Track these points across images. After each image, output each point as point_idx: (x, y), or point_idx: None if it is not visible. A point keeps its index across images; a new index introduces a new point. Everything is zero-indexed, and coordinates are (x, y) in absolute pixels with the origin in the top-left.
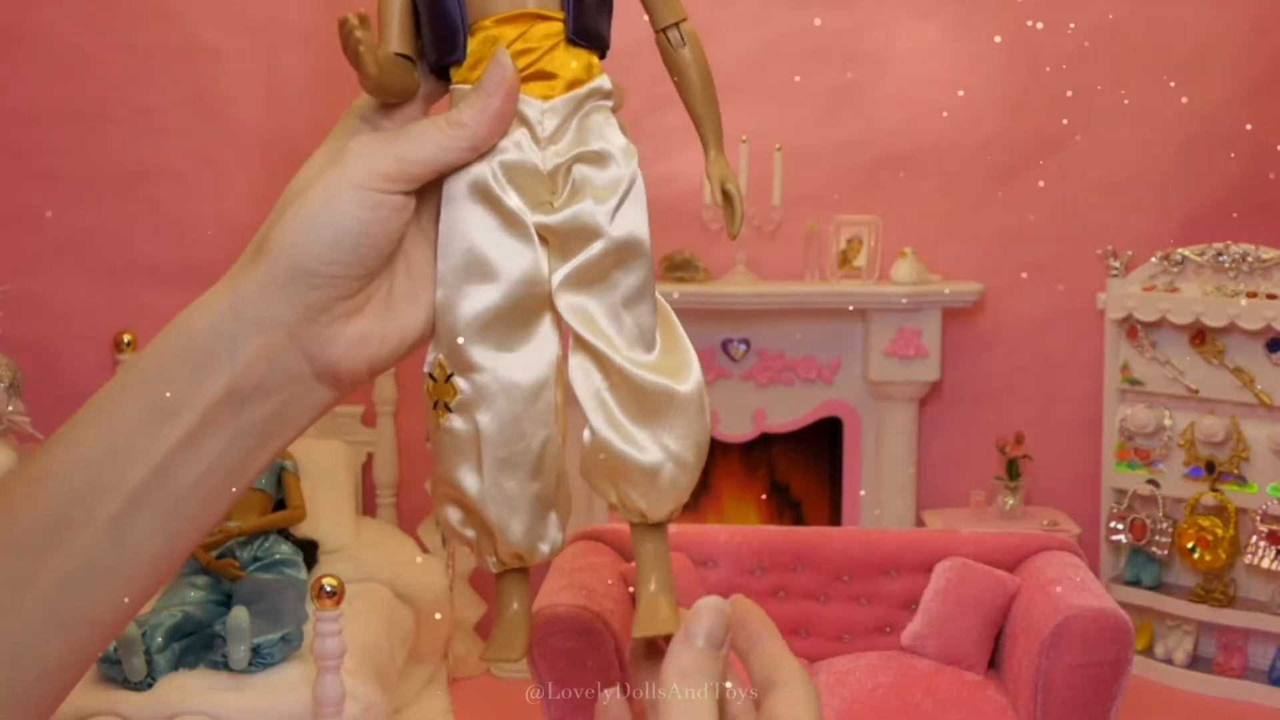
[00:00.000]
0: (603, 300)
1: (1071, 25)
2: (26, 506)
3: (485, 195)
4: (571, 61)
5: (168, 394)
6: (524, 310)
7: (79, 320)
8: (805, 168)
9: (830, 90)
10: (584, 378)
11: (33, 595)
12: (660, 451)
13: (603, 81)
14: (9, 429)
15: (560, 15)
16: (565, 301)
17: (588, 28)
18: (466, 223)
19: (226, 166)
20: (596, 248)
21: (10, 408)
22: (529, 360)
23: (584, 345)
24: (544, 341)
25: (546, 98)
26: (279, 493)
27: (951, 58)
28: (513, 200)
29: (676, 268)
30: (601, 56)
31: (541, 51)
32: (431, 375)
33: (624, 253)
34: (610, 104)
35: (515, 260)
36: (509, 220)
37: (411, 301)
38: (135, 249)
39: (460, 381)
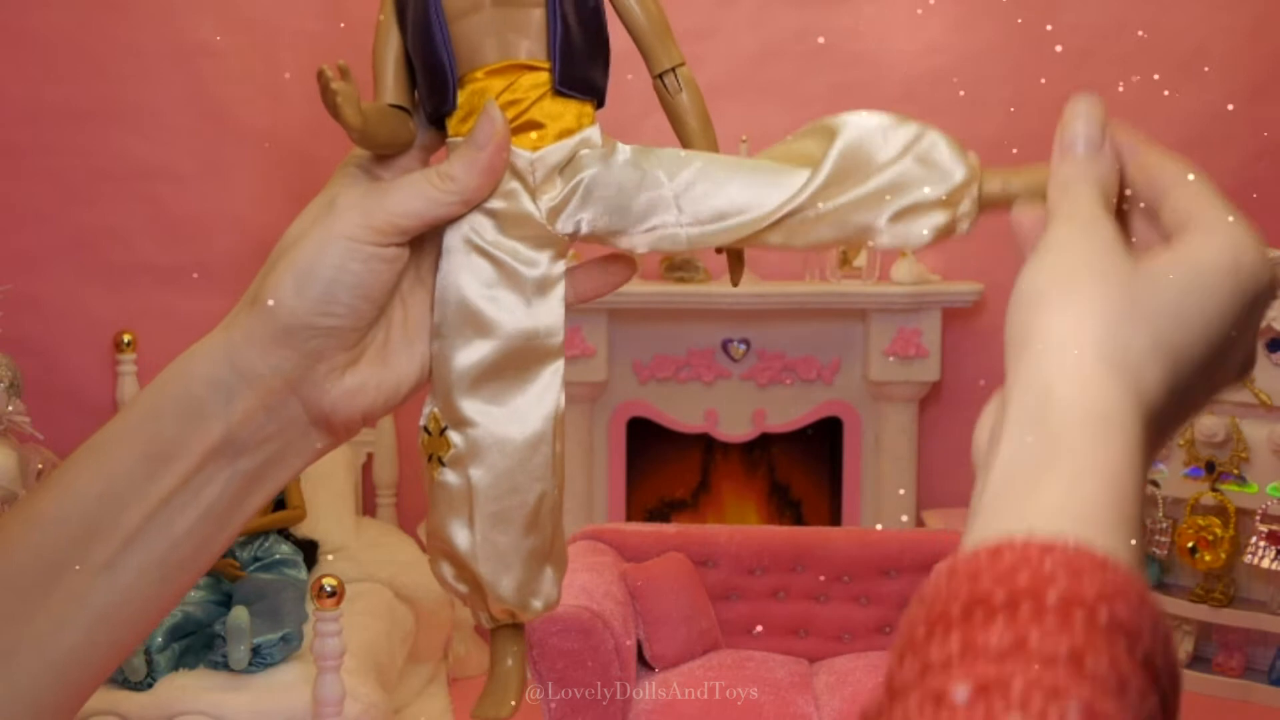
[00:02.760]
0: (683, 214)
1: (1072, 25)
2: (21, 547)
3: (480, 248)
4: (561, 111)
5: (163, 441)
6: (519, 364)
7: (79, 320)
8: None
9: (830, 90)
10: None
11: (27, 636)
12: (895, 158)
13: (593, 133)
14: (9, 429)
15: (548, 65)
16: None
17: (575, 77)
18: (461, 275)
19: (226, 166)
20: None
21: (10, 408)
22: (525, 414)
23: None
24: (542, 395)
25: (535, 148)
26: (279, 493)
27: (951, 57)
28: (508, 253)
29: (676, 268)
30: (599, 105)
31: (529, 102)
32: (426, 429)
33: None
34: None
35: (509, 314)
36: (504, 273)
37: (407, 351)
38: (135, 249)
39: (454, 435)
